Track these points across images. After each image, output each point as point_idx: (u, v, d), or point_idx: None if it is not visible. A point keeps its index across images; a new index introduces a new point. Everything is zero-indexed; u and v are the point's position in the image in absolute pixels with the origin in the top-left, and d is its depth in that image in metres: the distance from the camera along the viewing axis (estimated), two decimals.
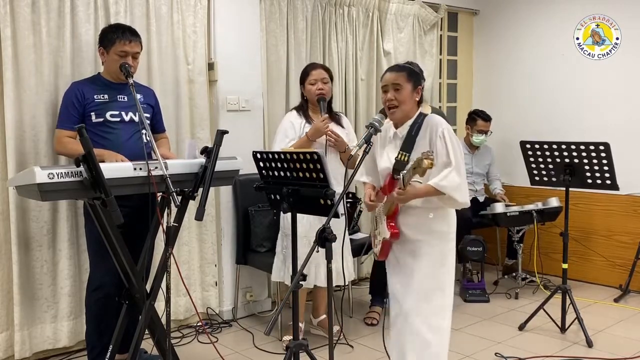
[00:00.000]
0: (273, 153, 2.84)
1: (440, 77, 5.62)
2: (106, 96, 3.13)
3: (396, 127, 2.73)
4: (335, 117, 3.73)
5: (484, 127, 5.05)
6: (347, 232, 3.64)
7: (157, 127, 3.41)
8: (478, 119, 5.06)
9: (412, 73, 2.67)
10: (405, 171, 2.51)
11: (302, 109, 3.71)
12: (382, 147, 2.79)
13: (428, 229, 2.66)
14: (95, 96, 3.11)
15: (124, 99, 3.16)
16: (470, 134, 5.08)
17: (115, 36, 3.09)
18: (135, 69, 3.13)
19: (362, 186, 3.05)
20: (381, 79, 2.75)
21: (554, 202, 4.72)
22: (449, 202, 2.59)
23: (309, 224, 3.48)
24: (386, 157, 2.74)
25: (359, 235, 4.35)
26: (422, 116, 2.66)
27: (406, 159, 2.58)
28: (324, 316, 3.83)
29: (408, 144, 2.62)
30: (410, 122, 2.66)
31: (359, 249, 4.25)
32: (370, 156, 2.80)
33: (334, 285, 3.50)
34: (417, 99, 2.66)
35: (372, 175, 2.89)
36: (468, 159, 5.07)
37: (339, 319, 3.93)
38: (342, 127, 3.74)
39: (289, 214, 3.56)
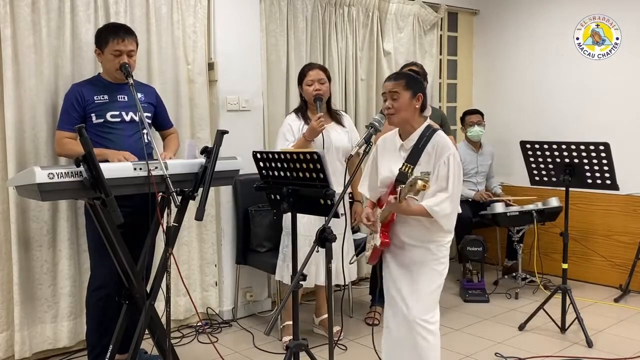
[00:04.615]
0: (273, 153, 2.84)
1: (440, 77, 5.62)
2: (106, 97, 3.12)
3: (402, 138, 2.70)
4: (335, 116, 3.72)
5: (474, 119, 5.12)
6: (348, 231, 3.64)
7: (163, 123, 3.42)
8: (466, 115, 5.19)
9: (410, 81, 2.64)
10: (403, 185, 2.51)
11: (302, 110, 3.70)
12: (385, 157, 2.75)
13: (429, 238, 2.65)
14: (95, 97, 3.10)
15: (124, 98, 3.15)
16: (465, 130, 5.16)
17: (109, 36, 3.08)
18: (133, 67, 3.12)
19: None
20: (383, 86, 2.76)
21: (554, 202, 4.72)
22: (435, 223, 2.60)
23: (310, 223, 3.47)
24: (387, 167, 2.70)
25: (359, 235, 4.35)
26: (431, 130, 2.63)
27: (410, 171, 2.57)
28: (326, 315, 3.83)
29: (414, 157, 2.60)
30: (417, 134, 2.64)
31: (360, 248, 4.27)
32: (373, 169, 2.80)
33: (334, 284, 3.51)
34: (418, 106, 2.63)
35: (374, 191, 2.84)
36: (473, 158, 5.12)
37: (340, 319, 3.94)
38: (343, 125, 3.73)
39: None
